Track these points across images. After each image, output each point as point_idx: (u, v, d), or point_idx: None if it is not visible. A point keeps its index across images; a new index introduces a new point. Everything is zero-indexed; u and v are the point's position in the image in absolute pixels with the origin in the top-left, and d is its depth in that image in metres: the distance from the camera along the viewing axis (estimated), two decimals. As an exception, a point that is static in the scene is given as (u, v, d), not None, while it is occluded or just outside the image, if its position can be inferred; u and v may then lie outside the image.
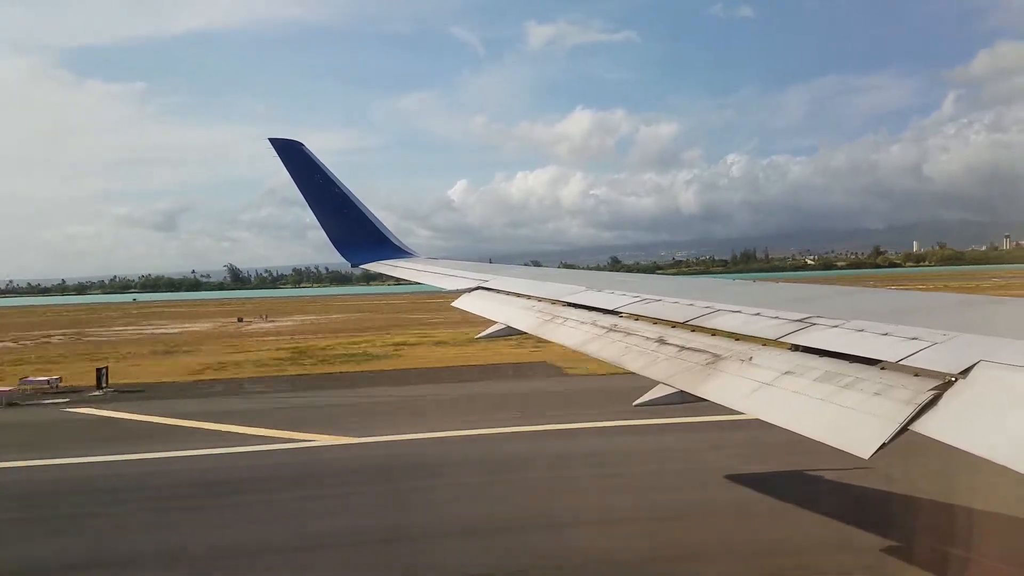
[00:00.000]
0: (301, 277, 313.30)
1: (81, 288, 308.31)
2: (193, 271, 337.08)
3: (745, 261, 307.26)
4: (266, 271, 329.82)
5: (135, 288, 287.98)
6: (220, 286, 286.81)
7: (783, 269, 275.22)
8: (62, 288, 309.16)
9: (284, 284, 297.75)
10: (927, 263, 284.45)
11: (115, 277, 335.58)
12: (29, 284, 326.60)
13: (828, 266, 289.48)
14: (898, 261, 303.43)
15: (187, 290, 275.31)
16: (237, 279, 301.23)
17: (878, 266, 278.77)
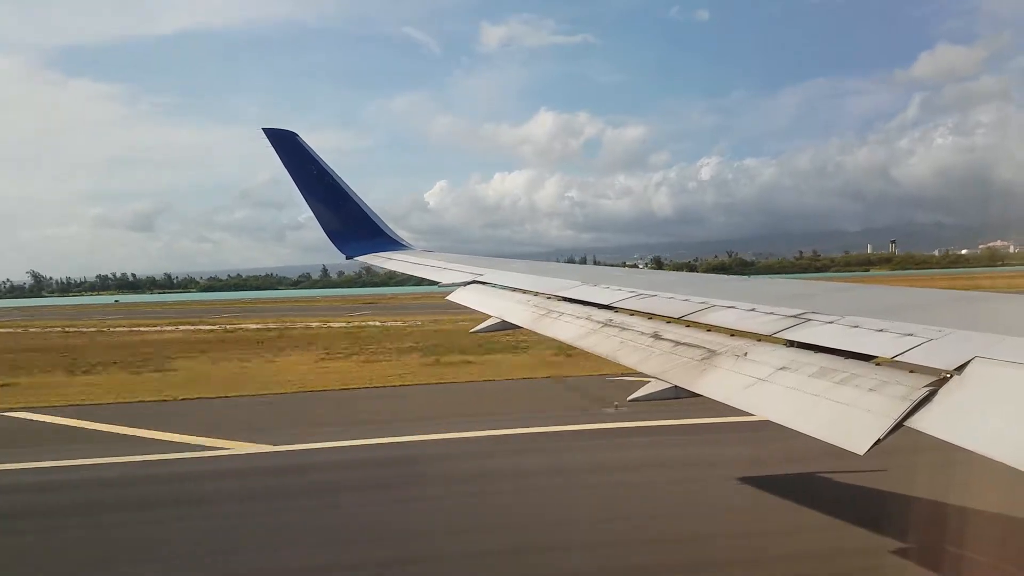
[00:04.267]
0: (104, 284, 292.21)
1: None
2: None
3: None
4: (68, 279, 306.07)
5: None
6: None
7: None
8: None
9: (79, 292, 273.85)
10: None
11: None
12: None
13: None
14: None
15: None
16: (39, 285, 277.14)
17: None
